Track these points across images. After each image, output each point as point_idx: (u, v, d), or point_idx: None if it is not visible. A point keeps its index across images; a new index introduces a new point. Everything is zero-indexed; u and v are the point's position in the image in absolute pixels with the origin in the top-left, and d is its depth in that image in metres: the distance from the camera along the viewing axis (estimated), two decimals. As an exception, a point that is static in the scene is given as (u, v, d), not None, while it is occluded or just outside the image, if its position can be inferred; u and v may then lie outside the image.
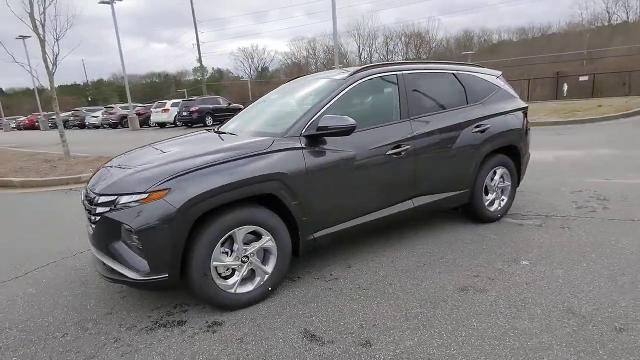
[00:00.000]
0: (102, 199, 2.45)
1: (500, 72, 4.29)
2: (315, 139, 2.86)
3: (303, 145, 2.79)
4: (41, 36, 8.28)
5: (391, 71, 3.38)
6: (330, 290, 2.85)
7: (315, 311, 2.58)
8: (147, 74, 78.91)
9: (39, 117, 32.82)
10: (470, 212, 3.95)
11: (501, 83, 4.16)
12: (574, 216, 4.04)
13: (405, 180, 3.29)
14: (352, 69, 3.32)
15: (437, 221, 4.12)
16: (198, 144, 3.00)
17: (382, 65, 3.43)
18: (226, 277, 2.60)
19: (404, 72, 3.43)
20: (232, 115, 4.06)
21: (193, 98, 23.76)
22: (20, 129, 36.83)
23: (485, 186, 3.90)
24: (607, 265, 2.95)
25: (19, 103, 60.87)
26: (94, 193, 2.54)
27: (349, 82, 3.15)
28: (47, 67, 8.47)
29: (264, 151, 2.66)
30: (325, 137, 2.90)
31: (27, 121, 36.17)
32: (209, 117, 21.85)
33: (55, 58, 8.50)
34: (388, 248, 3.52)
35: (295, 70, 54.48)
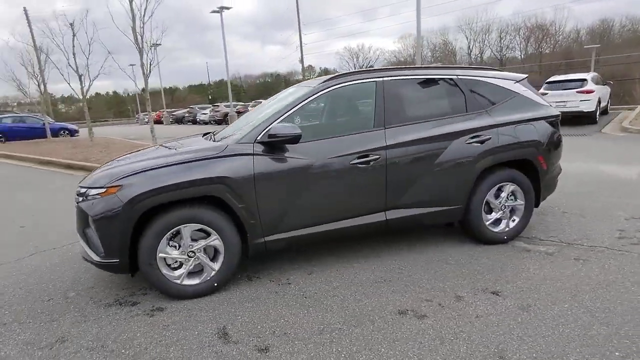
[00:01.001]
0: (81, 191, 2.91)
1: (522, 77, 3.77)
2: (273, 146, 2.94)
3: (255, 152, 2.90)
4: (140, 46, 9.71)
5: (369, 78, 3.26)
6: (276, 294, 2.92)
7: (246, 312, 2.68)
8: (261, 74, 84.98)
9: (163, 113, 38.14)
10: (467, 231, 3.60)
11: (521, 89, 3.66)
12: (604, 247, 3.39)
13: (373, 191, 3.15)
14: (325, 77, 3.30)
15: (432, 237, 3.83)
16: (171, 148, 3.30)
17: (362, 72, 3.33)
18: (175, 269, 2.86)
19: (385, 78, 3.28)
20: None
21: (284, 98, 25.09)
22: (151, 123, 43.20)
23: (488, 203, 3.50)
24: (594, 311, 2.46)
25: (157, 100, 71.84)
26: (78, 185, 3.02)
27: (317, 90, 3.14)
28: (143, 72, 9.93)
29: (214, 156, 2.84)
30: (286, 145, 2.97)
31: (155, 116, 42.31)
32: (298, 116, 22.83)
33: (150, 64, 9.91)
34: (361, 259, 3.42)
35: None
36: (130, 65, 39.76)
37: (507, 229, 3.58)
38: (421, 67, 3.54)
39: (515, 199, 3.59)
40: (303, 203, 3.01)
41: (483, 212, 3.48)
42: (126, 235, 2.68)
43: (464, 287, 2.85)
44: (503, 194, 3.52)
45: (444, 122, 3.32)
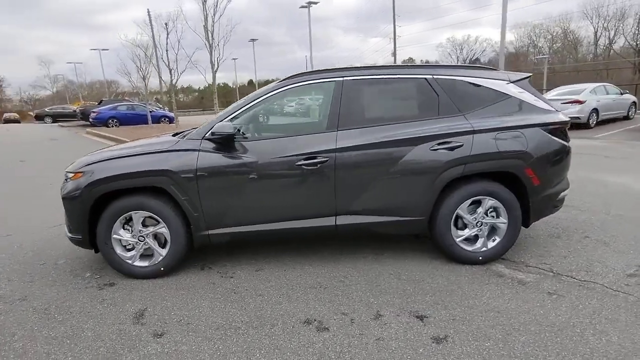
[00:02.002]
0: (65, 174, 3.36)
1: (520, 76, 3.26)
2: (220, 143, 3.03)
3: (201, 148, 3.02)
4: (209, 42, 10.56)
5: (329, 78, 3.15)
6: (212, 285, 3.03)
7: (173, 298, 2.84)
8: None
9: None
10: (437, 246, 3.28)
11: (515, 90, 3.18)
12: (599, 284, 2.82)
13: (321, 195, 3.05)
14: (288, 76, 3.26)
15: (405, 249, 3.56)
16: (136, 141, 3.58)
17: (322, 71, 3.22)
18: (129, 250, 3.15)
19: (347, 78, 3.13)
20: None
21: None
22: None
23: (459, 218, 3.15)
24: (516, 356, 2.10)
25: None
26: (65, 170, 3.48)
27: (272, 89, 3.14)
28: (212, 66, 10.79)
29: (163, 150, 3.05)
30: (235, 143, 3.05)
31: (251, 107, 45.62)
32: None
33: (218, 59, 10.72)
34: (316, 262, 3.35)
35: (511, 60, 47.17)
36: (233, 59, 43.98)
37: (483, 249, 3.18)
38: (391, 66, 3.29)
39: (497, 216, 3.16)
40: (247, 201, 3.06)
41: (453, 227, 3.14)
42: (85, 216, 3.04)
43: (393, 306, 2.64)
44: (480, 210, 3.13)
45: (407, 126, 3.06)
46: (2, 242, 4.10)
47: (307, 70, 3.28)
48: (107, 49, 39.10)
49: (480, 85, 3.16)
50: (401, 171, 3.02)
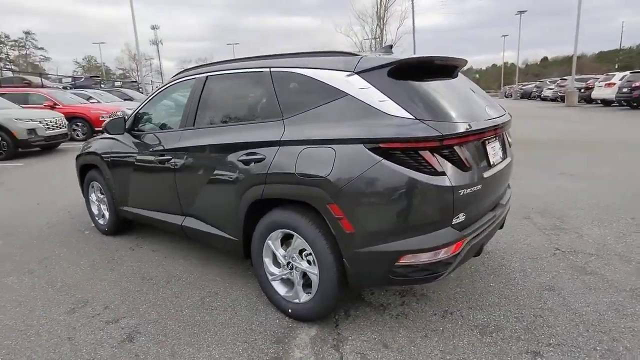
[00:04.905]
0: None
1: (377, 63, 2.03)
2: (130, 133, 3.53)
3: (117, 136, 3.59)
4: (381, 28, 10.46)
5: (193, 75, 3.01)
6: (110, 253, 3.57)
7: (78, 254, 3.55)
8: None
9: (513, 88, 35.84)
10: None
11: (354, 86, 2.06)
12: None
13: (170, 192, 3.05)
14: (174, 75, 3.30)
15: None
16: None
17: (194, 68, 3.09)
18: (98, 210, 4.18)
19: (202, 75, 2.92)
20: None
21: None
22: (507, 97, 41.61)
23: (274, 254, 2.46)
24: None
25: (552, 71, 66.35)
26: None
27: (163, 85, 3.30)
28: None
29: (105, 136, 3.80)
30: (139, 134, 3.48)
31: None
32: (663, 97, 15.74)
33: (383, 42, 10.45)
34: (193, 260, 3.36)
35: None
36: (503, 36, 40.02)
37: (296, 300, 2.38)
38: (243, 59, 2.73)
39: (313, 262, 2.26)
40: (133, 186, 3.46)
41: (266, 261, 2.50)
42: (78, 179, 4.26)
43: (140, 319, 2.49)
44: (290, 248, 2.34)
45: (231, 130, 2.59)
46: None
47: (188, 67, 3.24)
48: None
49: (313, 79, 2.25)
50: (214, 180, 2.65)
